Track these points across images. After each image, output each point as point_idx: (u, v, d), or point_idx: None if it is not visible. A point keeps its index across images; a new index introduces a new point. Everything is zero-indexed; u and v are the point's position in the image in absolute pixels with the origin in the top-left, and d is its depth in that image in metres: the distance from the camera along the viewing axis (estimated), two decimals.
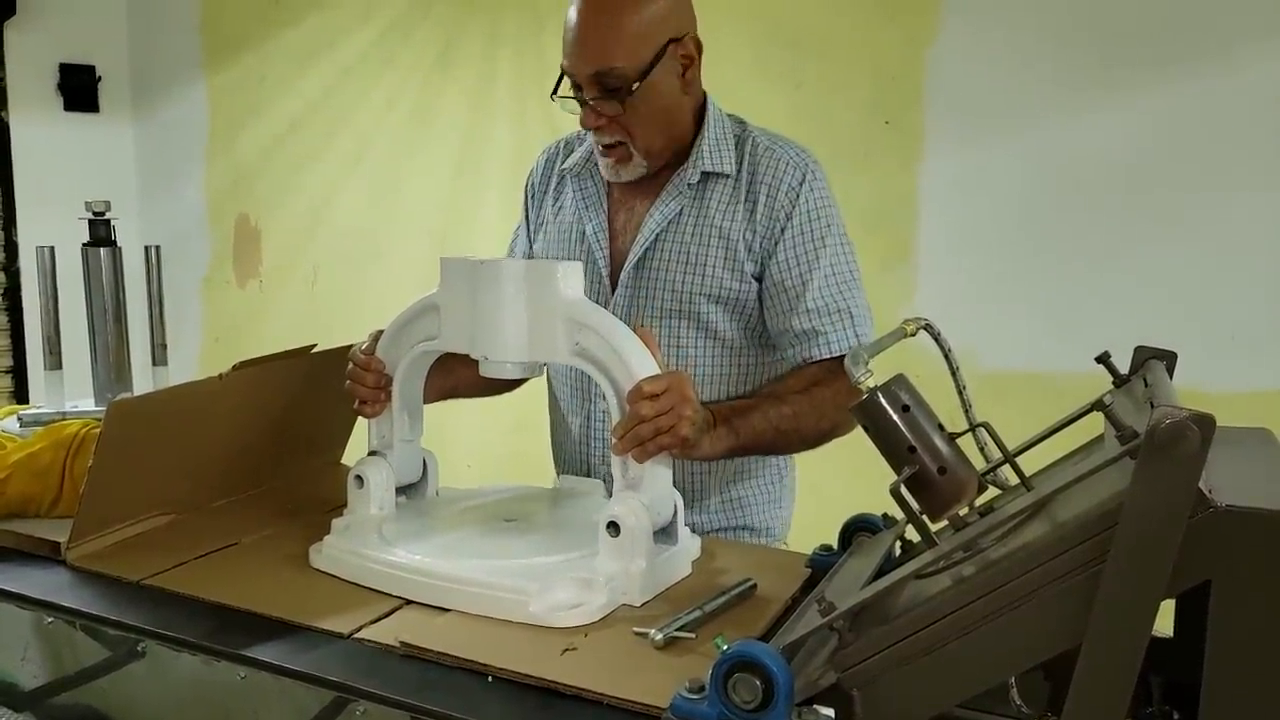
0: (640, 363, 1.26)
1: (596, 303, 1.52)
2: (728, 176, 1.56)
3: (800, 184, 1.53)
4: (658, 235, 1.57)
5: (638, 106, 1.48)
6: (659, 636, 1.09)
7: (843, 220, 1.58)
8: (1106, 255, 2.64)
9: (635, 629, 1.13)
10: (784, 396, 1.48)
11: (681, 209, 1.57)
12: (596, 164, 1.62)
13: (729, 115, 1.63)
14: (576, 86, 1.51)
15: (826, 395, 1.47)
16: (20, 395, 4.14)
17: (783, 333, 1.54)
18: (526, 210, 1.80)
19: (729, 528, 1.64)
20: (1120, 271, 2.63)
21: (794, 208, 1.53)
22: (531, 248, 1.77)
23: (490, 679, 1.06)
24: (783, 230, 1.53)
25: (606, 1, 1.48)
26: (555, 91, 1.53)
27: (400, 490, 1.46)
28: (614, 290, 1.60)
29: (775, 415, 1.46)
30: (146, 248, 1.87)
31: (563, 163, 1.71)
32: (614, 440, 1.26)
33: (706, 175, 1.56)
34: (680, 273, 1.56)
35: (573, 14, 1.49)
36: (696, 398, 1.30)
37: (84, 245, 1.79)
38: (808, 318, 1.51)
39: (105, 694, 1.27)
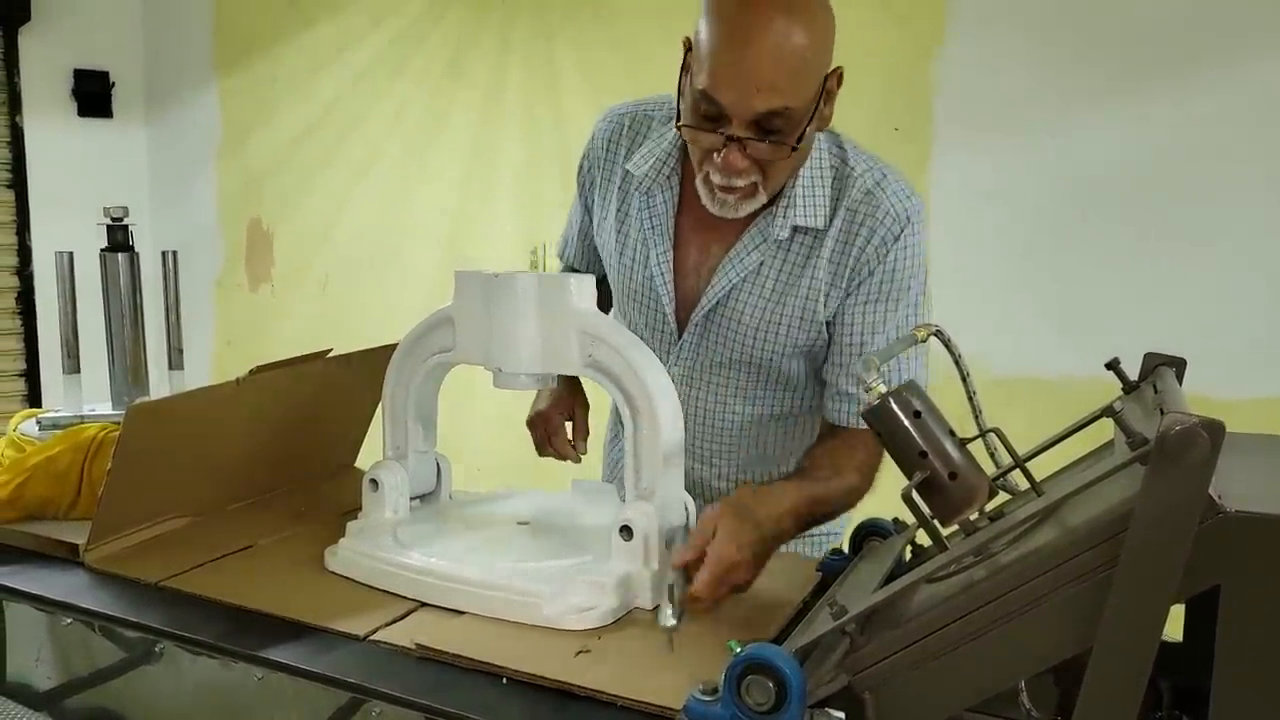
0: (652, 376, 1.26)
1: (659, 346, 1.50)
2: (816, 231, 1.39)
3: (895, 241, 1.37)
4: (733, 286, 1.43)
5: (798, 149, 1.28)
6: (672, 622, 1.08)
7: (925, 277, 1.43)
8: (1115, 262, 2.65)
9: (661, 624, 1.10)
10: (829, 478, 1.36)
11: (763, 261, 1.41)
12: (669, 175, 1.45)
13: (828, 137, 1.43)
14: (722, 118, 1.27)
15: (861, 464, 1.39)
16: (34, 399, 4.16)
17: (829, 385, 1.45)
18: (584, 194, 1.61)
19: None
20: (1129, 278, 2.63)
21: (879, 264, 1.37)
22: (586, 244, 1.64)
23: (505, 681, 1.07)
24: (860, 285, 1.39)
25: (780, 19, 1.23)
26: (680, 118, 1.31)
27: (414, 500, 1.48)
28: (680, 335, 1.49)
29: (823, 499, 1.34)
30: (164, 253, 1.89)
31: (627, 156, 1.51)
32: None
33: (795, 229, 1.39)
34: (754, 331, 1.43)
35: (731, 29, 1.24)
36: (743, 542, 1.16)
37: (102, 250, 1.81)
38: (854, 381, 1.40)
39: (121, 695, 1.28)
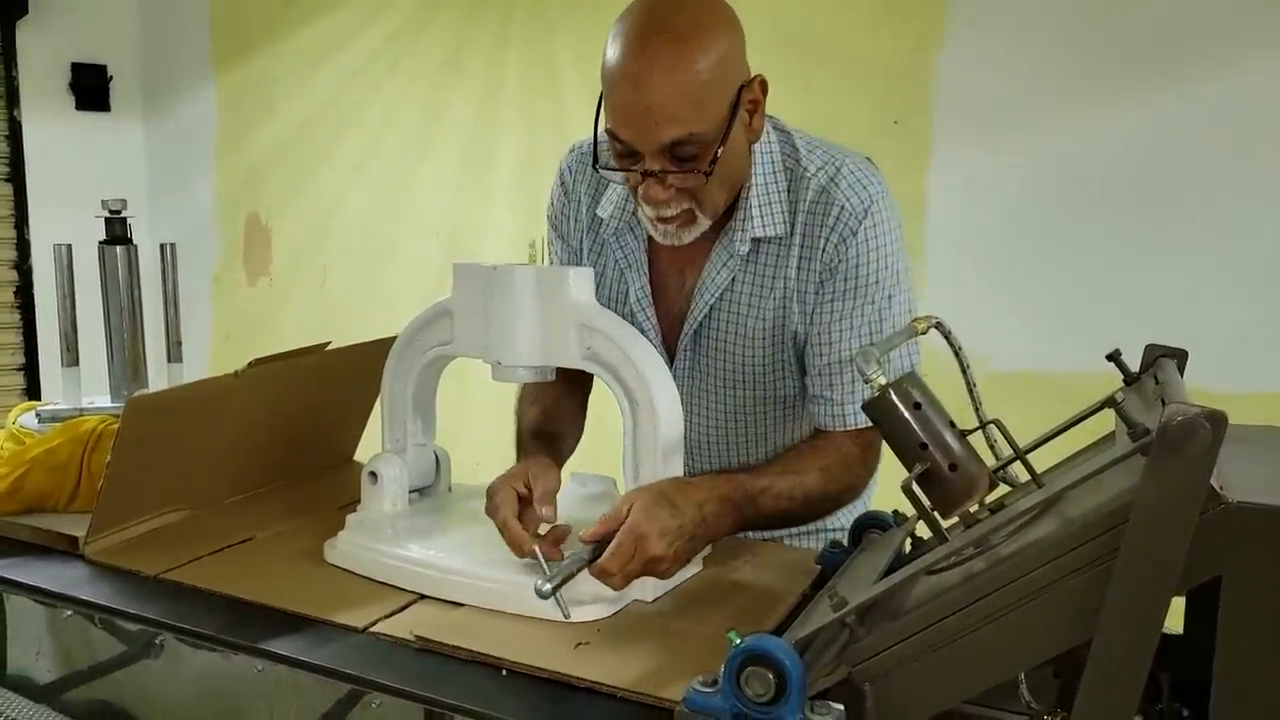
0: (651, 369, 1.26)
1: None
2: (779, 239, 1.39)
3: (853, 236, 1.35)
4: (711, 306, 1.44)
5: (714, 171, 1.28)
6: (547, 588, 1.09)
7: (898, 265, 1.39)
8: (1115, 256, 2.65)
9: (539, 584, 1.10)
10: (779, 474, 1.35)
11: (734, 277, 1.42)
12: (634, 212, 1.43)
13: (780, 139, 1.42)
14: (632, 154, 1.28)
15: (834, 468, 1.38)
16: (32, 392, 4.16)
17: (807, 388, 1.44)
18: (560, 230, 1.61)
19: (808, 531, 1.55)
20: (1128, 273, 2.63)
21: (840, 261, 1.36)
22: None
23: (504, 672, 1.07)
24: (825, 284, 1.38)
25: (669, 49, 1.22)
26: (596, 161, 1.35)
27: (413, 493, 1.48)
28: (672, 362, 1.49)
29: (767, 492, 1.33)
30: (162, 246, 1.89)
31: (594, 197, 1.52)
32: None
33: (757, 240, 1.40)
34: (737, 347, 1.44)
35: (623, 66, 1.25)
36: (655, 519, 1.16)
37: (101, 243, 1.81)
38: (820, 382, 1.41)
39: (121, 687, 1.28)
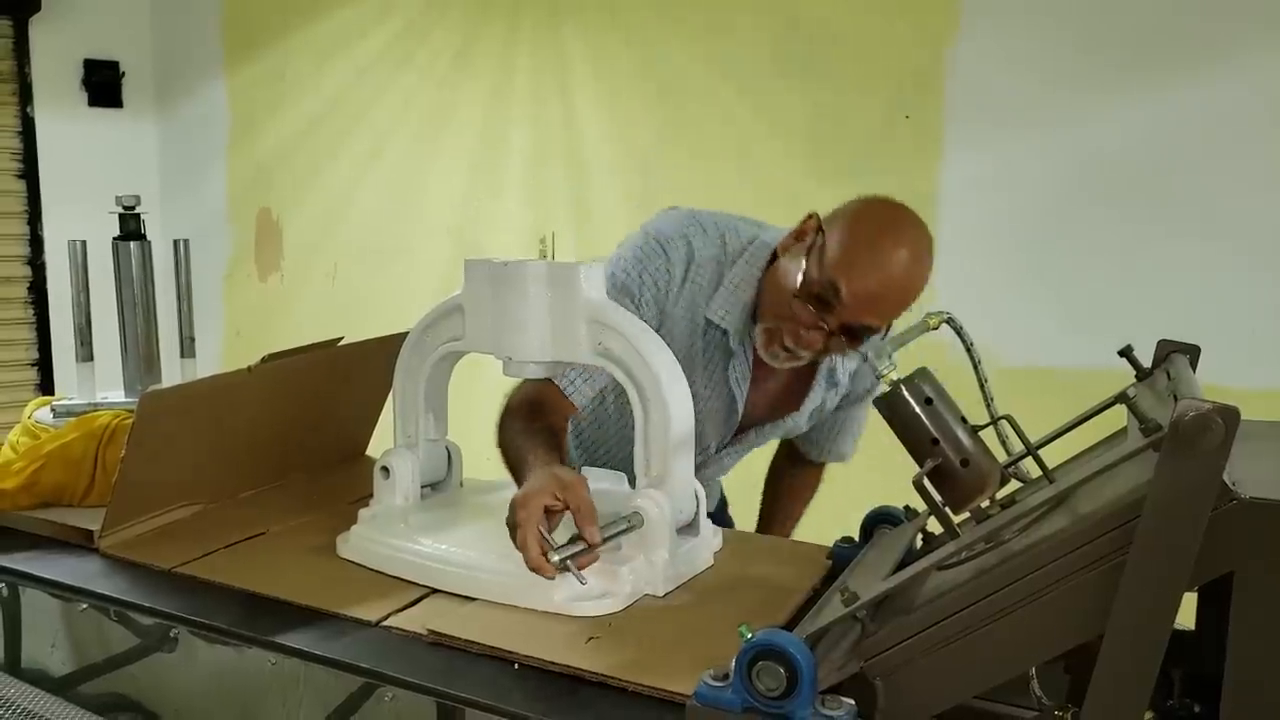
0: (662, 364, 1.27)
1: (718, 445, 1.67)
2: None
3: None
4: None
5: None
6: (556, 559, 1.12)
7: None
8: (1126, 252, 2.64)
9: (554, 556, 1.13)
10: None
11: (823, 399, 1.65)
12: (749, 326, 1.51)
13: None
14: (831, 308, 1.38)
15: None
16: (45, 387, 4.19)
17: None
18: (649, 298, 1.52)
19: None
20: (1140, 268, 2.62)
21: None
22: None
23: (516, 666, 1.08)
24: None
25: (913, 257, 1.39)
26: (800, 292, 1.41)
27: (425, 488, 1.48)
28: (735, 437, 1.66)
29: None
30: (175, 241, 1.89)
31: (708, 295, 1.52)
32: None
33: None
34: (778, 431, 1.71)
35: (874, 250, 1.38)
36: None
37: (114, 239, 1.81)
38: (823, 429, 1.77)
39: (136, 680, 1.29)
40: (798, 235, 1.46)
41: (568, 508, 1.17)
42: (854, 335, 1.41)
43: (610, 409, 1.66)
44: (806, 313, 1.41)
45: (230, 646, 1.18)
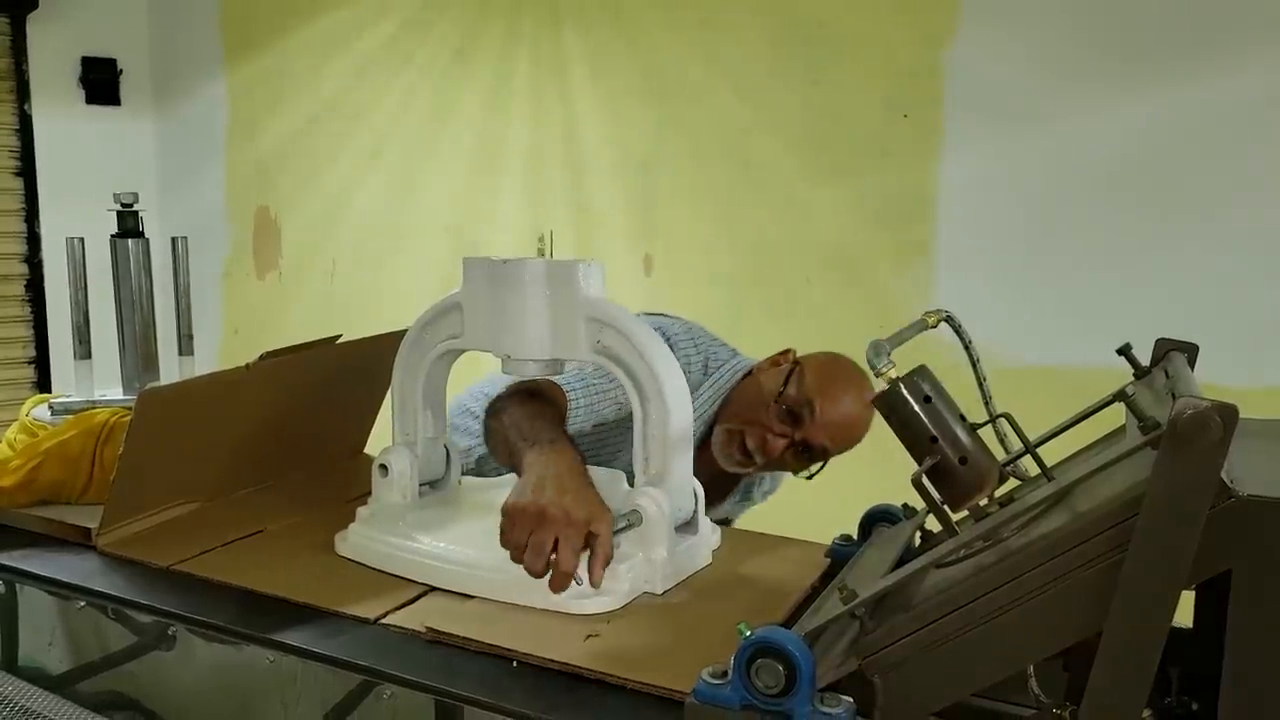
0: (660, 362, 1.27)
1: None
2: None
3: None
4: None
5: None
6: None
7: None
8: (1125, 251, 2.64)
9: None
10: None
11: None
12: (708, 424, 1.71)
13: None
14: (801, 425, 1.63)
15: None
16: (43, 385, 4.19)
17: None
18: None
19: None
20: (1139, 267, 2.62)
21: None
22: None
23: (515, 664, 1.08)
24: None
25: (869, 414, 1.63)
26: (778, 401, 1.64)
27: (424, 486, 1.48)
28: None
29: None
30: (173, 239, 1.89)
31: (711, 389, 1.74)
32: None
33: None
34: None
35: (848, 394, 1.64)
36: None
37: (112, 236, 1.81)
38: None
39: (134, 678, 1.29)
40: (774, 362, 1.72)
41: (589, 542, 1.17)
42: (809, 453, 1.64)
43: (610, 434, 1.69)
44: (777, 422, 1.64)
45: (228, 644, 1.18)
